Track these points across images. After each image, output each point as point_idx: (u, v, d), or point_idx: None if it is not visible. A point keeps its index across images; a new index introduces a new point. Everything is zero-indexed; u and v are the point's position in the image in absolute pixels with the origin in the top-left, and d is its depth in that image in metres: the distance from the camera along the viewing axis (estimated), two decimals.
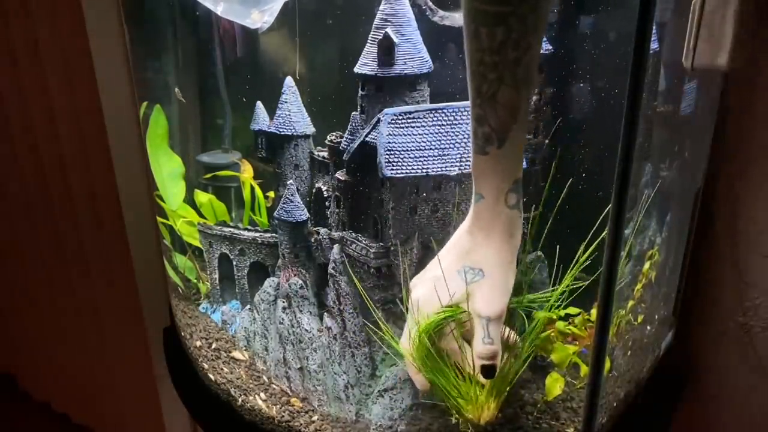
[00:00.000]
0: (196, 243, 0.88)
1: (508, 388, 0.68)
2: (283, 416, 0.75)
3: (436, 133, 0.66)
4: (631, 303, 0.68)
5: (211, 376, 0.84)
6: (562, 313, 0.68)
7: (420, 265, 0.69)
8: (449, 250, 0.63)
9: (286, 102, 0.74)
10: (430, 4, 0.65)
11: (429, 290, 0.62)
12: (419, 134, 0.66)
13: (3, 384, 1.99)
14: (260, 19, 0.70)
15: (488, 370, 0.62)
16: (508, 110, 0.53)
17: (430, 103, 0.67)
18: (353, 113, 0.69)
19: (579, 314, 0.69)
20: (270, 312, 0.78)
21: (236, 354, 0.83)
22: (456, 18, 0.65)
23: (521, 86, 0.52)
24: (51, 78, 1.34)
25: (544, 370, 0.72)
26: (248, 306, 0.82)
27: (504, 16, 0.48)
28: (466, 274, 0.61)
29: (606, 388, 0.67)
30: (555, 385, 0.69)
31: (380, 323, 0.68)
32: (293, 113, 0.75)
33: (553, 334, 0.69)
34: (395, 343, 0.67)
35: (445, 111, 0.65)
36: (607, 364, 0.64)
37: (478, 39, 0.50)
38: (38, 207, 1.56)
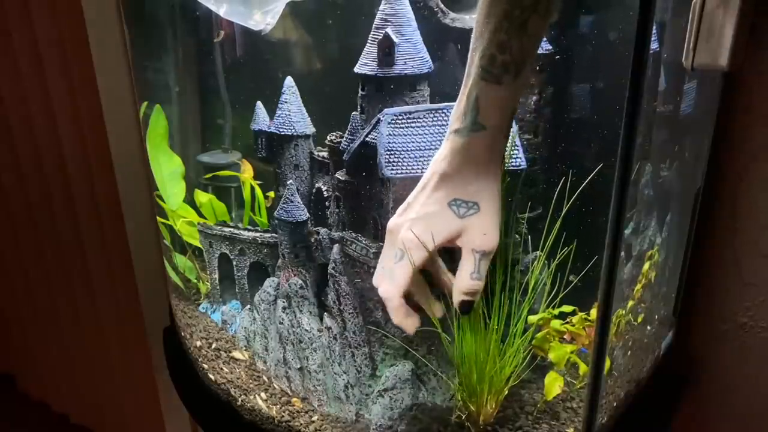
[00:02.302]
0: (196, 243, 0.88)
1: (507, 388, 0.68)
2: (283, 416, 0.75)
3: (436, 133, 0.65)
4: (631, 303, 0.68)
5: (211, 376, 0.84)
6: (557, 311, 0.68)
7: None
8: (434, 187, 0.59)
9: (286, 102, 0.74)
10: (442, 6, 0.65)
11: (420, 230, 0.60)
12: (419, 134, 0.66)
13: (3, 384, 1.99)
14: (263, 20, 0.70)
15: (469, 306, 0.60)
16: (533, 41, 0.52)
17: (430, 103, 0.67)
18: (353, 113, 0.69)
19: (574, 311, 0.69)
20: (270, 312, 0.78)
21: (236, 354, 0.83)
22: (467, 20, 0.65)
23: (548, 18, 0.51)
24: (51, 78, 1.34)
25: (545, 370, 0.72)
26: (248, 306, 0.82)
27: None
28: (458, 208, 0.59)
29: (606, 388, 0.67)
30: (554, 384, 0.69)
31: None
32: (293, 113, 0.75)
33: (549, 333, 0.69)
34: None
35: (445, 111, 0.65)
36: (607, 364, 0.64)
37: None
38: (38, 207, 1.56)
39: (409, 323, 0.63)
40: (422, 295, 0.65)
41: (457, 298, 0.61)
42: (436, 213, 0.59)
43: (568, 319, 0.69)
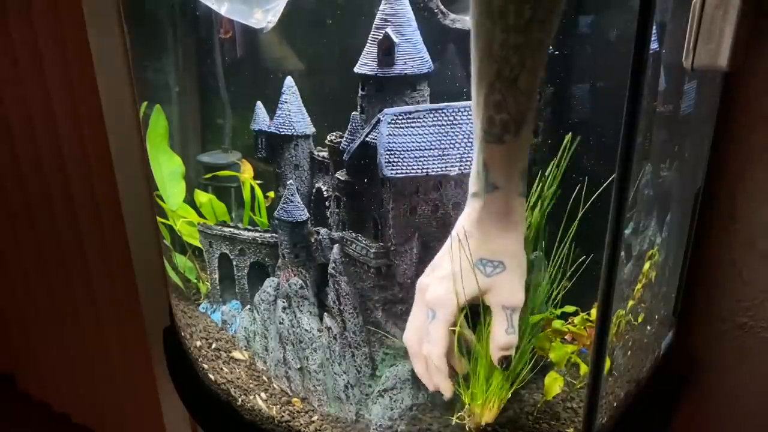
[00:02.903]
0: (196, 243, 0.88)
1: (512, 389, 0.68)
2: (283, 416, 0.75)
3: (436, 133, 0.66)
4: (631, 303, 0.68)
5: (211, 376, 0.84)
6: (558, 311, 0.68)
7: (420, 265, 0.69)
8: (459, 247, 0.61)
9: (286, 102, 0.74)
10: (441, 7, 0.65)
11: (446, 289, 0.61)
12: (419, 134, 0.66)
13: (3, 384, 1.99)
14: (264, 18, 0.70)
15: (509, 361, 0.62)
16: (528, 96, 0.52)
17: (430, 103, 0.67)
18: (353, 113, 0.69)
19: (576, 312, 0.69)
20: (270, 312, 0.78)
21: (236, 354, 0.83)
22: (467, 21, 0.65)
23: (539, 70, 0.52)
24: (51, 78, 1.34)
25: (545, 370, 0.71)
26: (248, 306, 0.82)
27: None
28: (485, 267, 0.60)
29: (606, 388, 0.67)
30: (554, 384, 0.69)
31: None
32: (293, 113, 0.75)
33: (550, 332, 0.69)
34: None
35: (445, 111, 0.65)
36: (607, 365, 0.64)
37: (505, 17, 0.49)
38: (38, 207, 1.56)
39: (449, 386, 0.64)
40: (449, 352, 0.66)
41: (496, 355, 0.62)
42: (463, 272, 0.60)
43: (569, 320, 0.69)
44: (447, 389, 0.64)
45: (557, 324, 0.69)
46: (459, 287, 0.61)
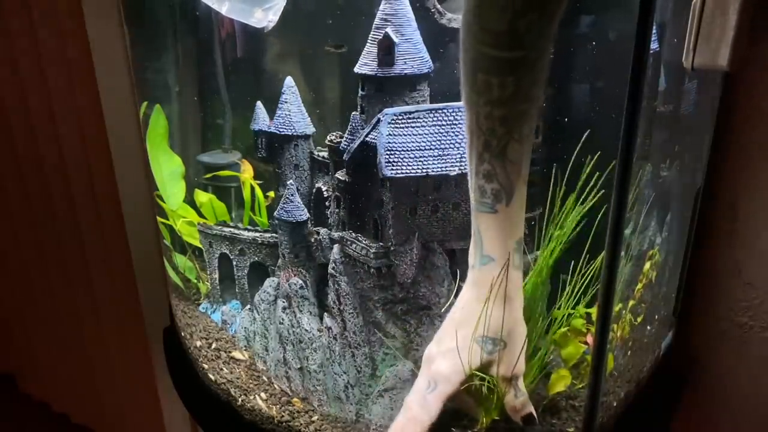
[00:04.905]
0: (196, 243, 0.88)
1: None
2: (283, 416, 0.75)
3: (436, 133, 0.66)
4: (631, 303, 0.68)
5: (211, 376, 0.84)
6: (582, 311, 0.68)
7: (420, 265, 0.69)
8: (460, 320, 0.61)
9: (286, 102, 0.74)
10: (438, 6, 0.65)
11: (450, 365, 0.61)
12: (419, 134, 0.66)
13: (3, 384, 1.99)
14: (264, 17, 0.70)
15: (530, 418, 0.63)
16: (517, 165, 0.53)
17: (430, 103, 0.67)
18: (353, 113, 0.69)
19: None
20: (270, 312, 0.78)
21: (236, 354, 0.83)
22: None
23: (528, 140, 0.52)
24: (51, 78, 1.34)
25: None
26: (248, 306, 0.82)
27: (515, 62, 0.48)
28: (486, 344, 0.60)
29: (606, 388, 0.67)
30: (560, 381, 0.69)
31: None
32: (293, 113, 0.75)
33: (570, 331, 0.69)
34: None
35: (445, 111, 0.65)
36: (610, 365, 0.64)
37: (488, 90, 0.49)
38: (38, 207, 1.56)
39: None
40: (470, 407, 0.67)
41: (516, 418, 0.63)
42: (465, 348, 0.60)
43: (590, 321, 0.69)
44: None
45: (578, 323, 0.68)
46: (463, 364, 0.61)
